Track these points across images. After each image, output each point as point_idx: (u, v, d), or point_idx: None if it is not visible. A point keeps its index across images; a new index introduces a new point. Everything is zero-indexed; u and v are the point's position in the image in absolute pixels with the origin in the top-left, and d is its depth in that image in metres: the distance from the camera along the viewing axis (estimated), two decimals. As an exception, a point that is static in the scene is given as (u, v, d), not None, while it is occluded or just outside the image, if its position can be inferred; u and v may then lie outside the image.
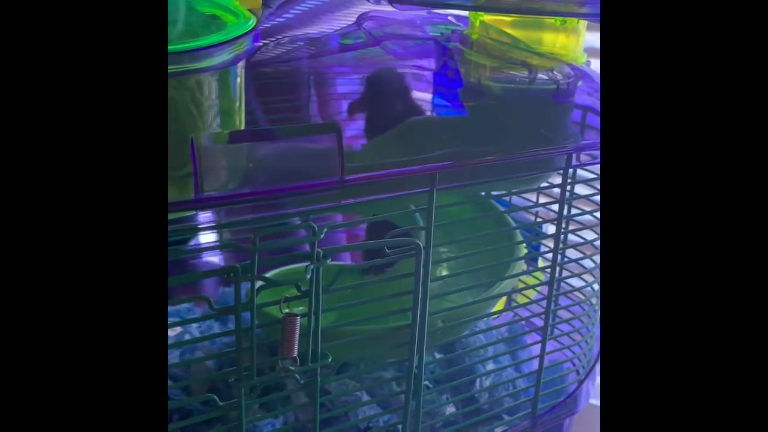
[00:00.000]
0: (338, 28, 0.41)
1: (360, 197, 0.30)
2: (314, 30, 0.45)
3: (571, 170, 0.41)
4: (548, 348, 0.39)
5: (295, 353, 0.29)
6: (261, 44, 0.42)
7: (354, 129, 0.55)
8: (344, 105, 0.55)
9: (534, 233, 0.41)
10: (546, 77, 0.37)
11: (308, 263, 0.28)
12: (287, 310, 0.28)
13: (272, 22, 0.44)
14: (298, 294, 0.29)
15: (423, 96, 0.48)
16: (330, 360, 0.30)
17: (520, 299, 0.44)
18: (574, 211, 0.40)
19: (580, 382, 0.42)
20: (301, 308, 0.30)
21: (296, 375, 0.30)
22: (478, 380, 0.40)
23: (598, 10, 0.37)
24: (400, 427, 0.35)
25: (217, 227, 0.29)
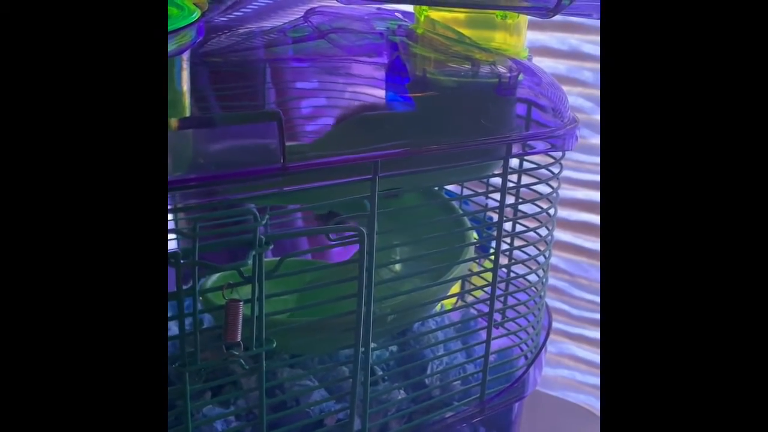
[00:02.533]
0: (288, 22, 0.42)
1: (303, 185, 0.30)
2: (268, 24, 0.45)
3: (519, 162, 0.42)
4: (496, 334, 0.40)
5: (239, 338, 0.29)
6: (214, 36, 0.43)
7: (314, 125, 0.55)
8: (303, 102, 0.56)
9: (481, 222, 0.42)
10: (489, 71, 0.38)
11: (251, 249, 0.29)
12: (231, 296, 0.29)
13: (228, 17, 0.45)
14: (241, 280, 0.29)
15: (376, 92, 0.49)
16: (274, 345, 0.31)
17: (470, 287, 0.45)
18: (521, 201, 0.41)
19: (527, 367, 0.43)
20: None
21: (241, 360, 0.30)
22: (429, 367, 0.41)
23: (538, 4, 0.38)
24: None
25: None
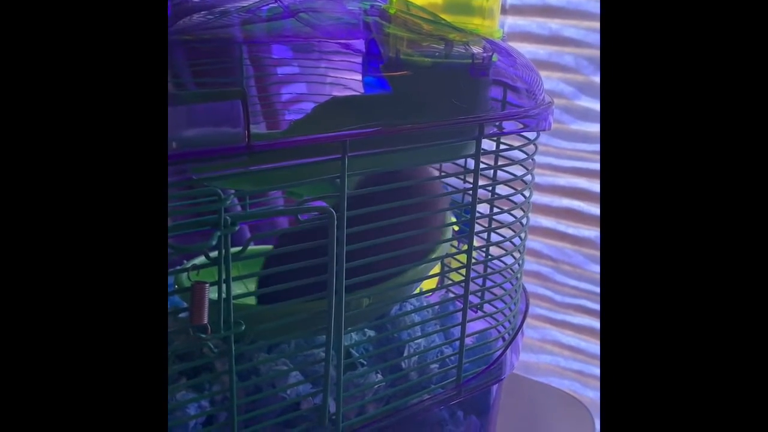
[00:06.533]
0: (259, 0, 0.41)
1: (269, 164, 0.30)
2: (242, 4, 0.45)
3: (495, 144, 0.42)
4: (472, 316, 0.40)
5: (205, 320, 0.29)
6: (187, 15, 0.42)
7: (295, 113, 0.55)
8: (284, 89, 0.55)
9: (455, 204, 0.42)
10: (462, 50, 0.38)
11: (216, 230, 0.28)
12: (197, 278, 0.29)
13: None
14: (207, 261, 0.29)
15: (354, 76, 0.48)
16: (243, 328, 0.30)
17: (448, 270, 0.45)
18: (496, 182, 0.41)
19: (504, 350, 0.43)
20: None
21: (209, 343, 0.30)
22: (405, 349, 0.40)
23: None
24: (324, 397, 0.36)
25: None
